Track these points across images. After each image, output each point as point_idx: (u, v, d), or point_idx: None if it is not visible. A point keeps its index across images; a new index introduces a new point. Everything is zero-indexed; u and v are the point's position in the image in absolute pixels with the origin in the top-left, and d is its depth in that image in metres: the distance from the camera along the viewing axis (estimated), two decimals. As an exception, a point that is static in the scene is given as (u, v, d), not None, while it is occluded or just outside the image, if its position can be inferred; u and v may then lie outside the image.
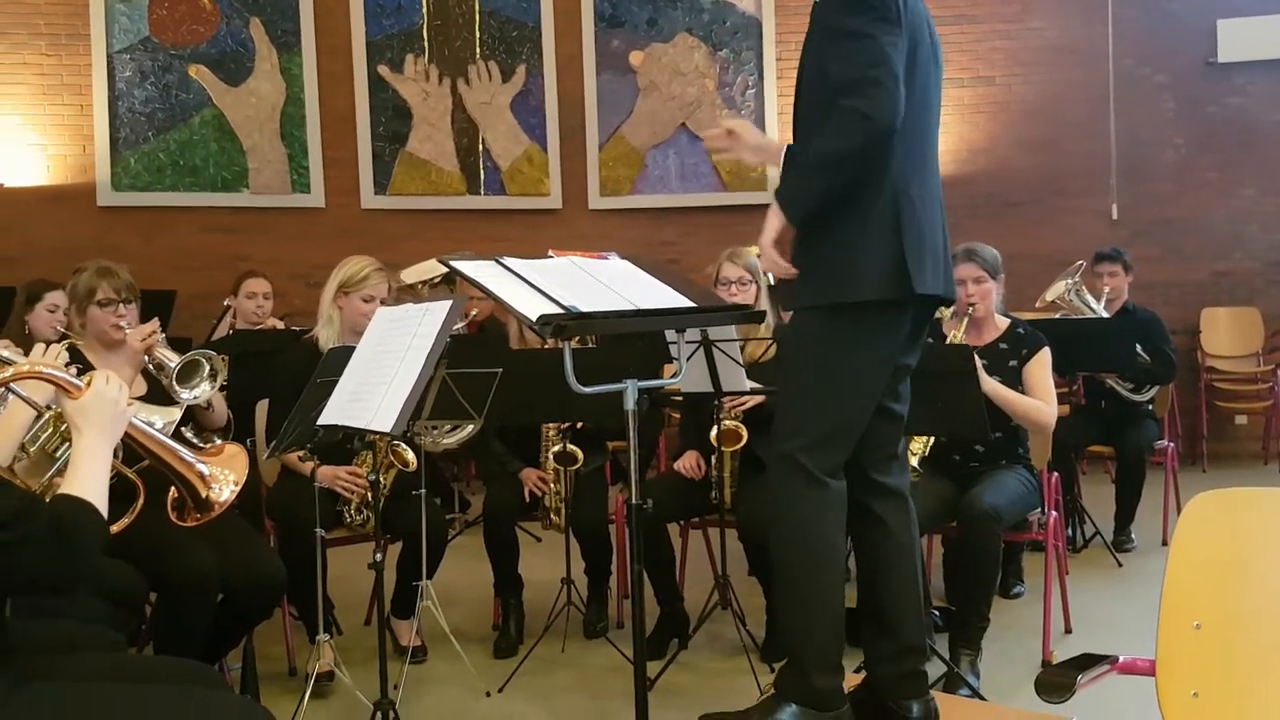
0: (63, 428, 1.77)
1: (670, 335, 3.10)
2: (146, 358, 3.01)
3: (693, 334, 3.11)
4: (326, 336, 3.50)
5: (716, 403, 3.35)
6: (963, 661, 3.08)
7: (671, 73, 7.19)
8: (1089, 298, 4.91)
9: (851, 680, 2.42)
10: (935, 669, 2.96)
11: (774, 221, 2.27)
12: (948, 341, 3.40)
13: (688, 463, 3.58)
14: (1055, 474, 3.56)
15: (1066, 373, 4.65)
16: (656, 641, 3.41)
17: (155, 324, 3.03)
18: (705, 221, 6.91)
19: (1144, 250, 6.28)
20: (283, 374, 3.44)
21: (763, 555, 3.39)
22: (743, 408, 3.41)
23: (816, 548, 2.22)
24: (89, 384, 1.70)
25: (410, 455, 3.30)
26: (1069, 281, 4.90)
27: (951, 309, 3.23)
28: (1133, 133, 7.01)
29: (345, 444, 3.25)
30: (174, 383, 2.93)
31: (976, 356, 3.17)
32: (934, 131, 2.34)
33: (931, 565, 3.71)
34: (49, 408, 1.80)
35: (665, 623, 3.50)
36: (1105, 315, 4.81)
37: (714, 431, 3.39)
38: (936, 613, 3.46)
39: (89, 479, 1.63)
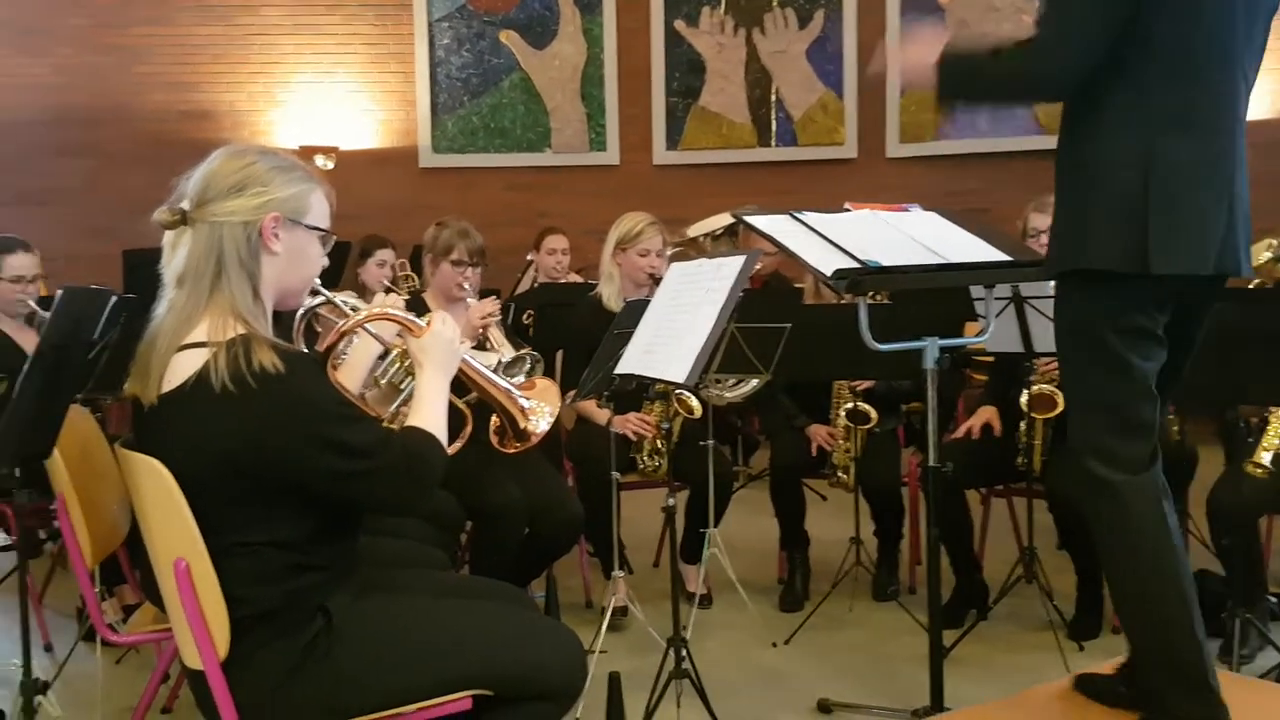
0: (407, 363, 1.94)
1: (977, 291, 2.92)
2: (483, 332, 3.14)
3: (1002, 290, 2.91)
4: (608, 293, 3.64)
5: (1028, 364, 3.13)
6: (1301, 653, 2.81)
7: (983, 9, 6.72)
8: None
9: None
10: (1269, 659, 2.77)
11: (923, 74, 2.14)
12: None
13: (977, 423, 3.38)
14: None
15: None
16: (952, 610, 3.25)
17: (496, 305, 3.19)
18: (1016, 167, 6.38)
19: None
20: (574, 327, 3.65)
21: (1074, 527, 3.17)
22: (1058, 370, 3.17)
23: (1133, 557, 1.95)
24: (428, 324, 1.86)
25: (695, 404, 3.36)
26: None
27: None
28: None
29: (639, 393, 3.38)
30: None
31: None
32: (1232, 81, 1.93)
33: (1269, 549, 3.34)
34: (392, 349, 1.97)
35: (962, 592, 3.35)
36: None
37: (1024, 396, 3.17)
38: (1273, 599, 3.15)
39: (431, 411, 1.79)
